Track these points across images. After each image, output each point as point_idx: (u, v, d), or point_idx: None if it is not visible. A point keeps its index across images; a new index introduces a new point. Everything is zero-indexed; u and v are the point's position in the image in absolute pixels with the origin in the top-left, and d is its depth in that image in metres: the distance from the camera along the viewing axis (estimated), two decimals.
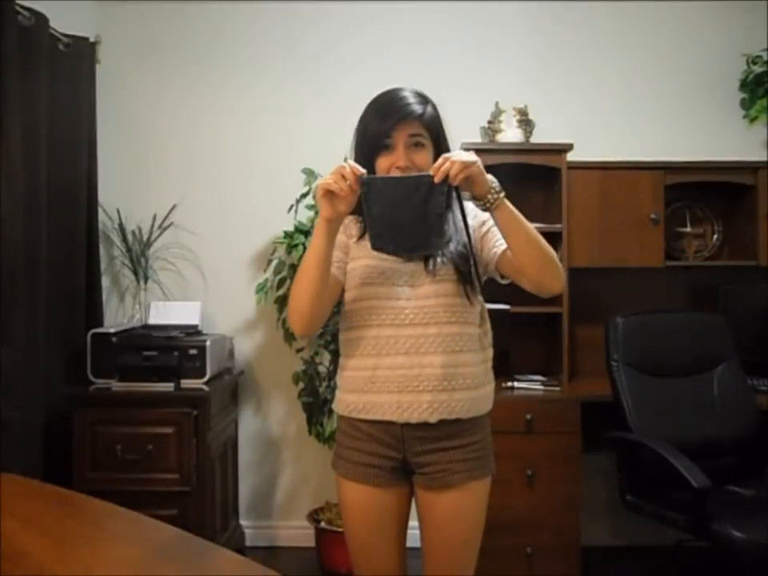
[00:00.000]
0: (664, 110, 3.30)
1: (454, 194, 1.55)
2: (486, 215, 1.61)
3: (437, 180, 1.42)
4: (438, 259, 1.59)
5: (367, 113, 1.61)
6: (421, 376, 1.57)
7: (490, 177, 1.49)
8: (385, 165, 1.57)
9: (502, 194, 1.49)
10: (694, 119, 3.29)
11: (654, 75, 3.30)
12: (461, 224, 1.64)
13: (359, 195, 1.46)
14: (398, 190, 1.44)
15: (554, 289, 1.60)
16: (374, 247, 1.51)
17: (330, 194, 1.45)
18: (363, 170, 1.45)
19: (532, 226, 1.55)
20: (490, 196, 1.48)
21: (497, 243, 1.61)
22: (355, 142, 1.63)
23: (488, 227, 1.65)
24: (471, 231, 1.63)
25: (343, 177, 1.43)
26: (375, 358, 1.60)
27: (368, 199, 1.45)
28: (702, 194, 3.23)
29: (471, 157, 1.44)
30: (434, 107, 1.62)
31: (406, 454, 1.62)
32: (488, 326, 1.70)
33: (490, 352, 1.70)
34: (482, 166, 1.46)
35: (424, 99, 1.60)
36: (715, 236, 3.27)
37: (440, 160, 1.44)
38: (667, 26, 3.30)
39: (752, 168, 3.04)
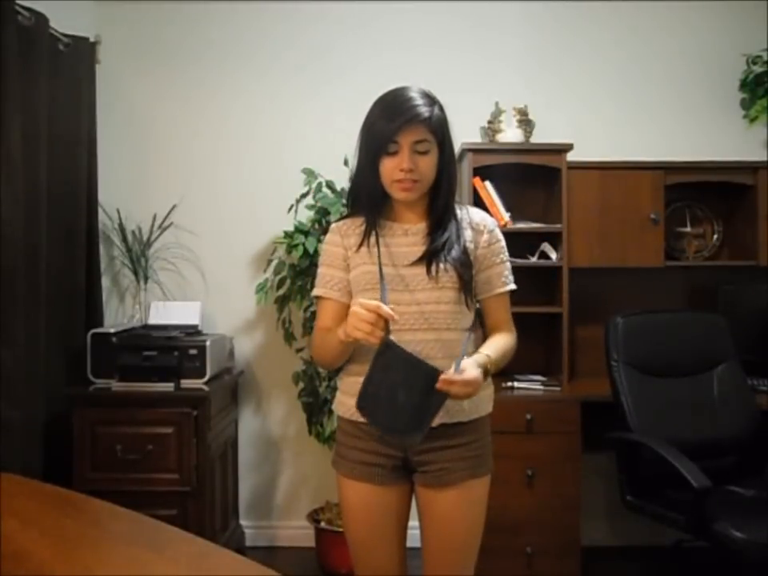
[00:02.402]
0: (664, 109, 3.30)
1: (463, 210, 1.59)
2: (498, 240, 1.68)
3: (437, 387, 1.41)
4: (441, 265, 1.58)
5: (373, 112, 1.59)
6: None
7: (481, 367, 1.51)
8: (389, 166, 1.56)
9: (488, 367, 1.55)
10: (694, 119, 3.29)
11: (654, 75, 3.30)
12: (465, 232, 1.64)
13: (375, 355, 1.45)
14: (409, 369, 1.43)
15: None
16: (358, 406, 1.50)
17: None
18: (396, 318, 1.44)
19: (506, 353, 1.66)
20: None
21: (491, 283, 1.66)
22: (360, 140, 1.62)
23: (493, 252, 1.67)
24: (474, 246, 1.64)
25: (374, 325, 1.42)
26: None
27: (378, 360, 1.44)
28: (702, 194, 3.23)
29: (475, 384, 1.46)
30: (441, 109, 1.61)
31: (407, 453, 1.62)
32: (480, 332, 1.71)
33: None
34: (480, 380, 1.49)
35: (431, 100, 1.59)
36: (715, 236, 3.26)
37: (451, 382, 1.42)
38: (667, 25, 3.30)
39: (752, 168, 3.04)
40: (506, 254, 1.70)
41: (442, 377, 1.41)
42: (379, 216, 1.65)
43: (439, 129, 1.58)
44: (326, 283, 1.66)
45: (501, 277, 1.67)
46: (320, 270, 1.69)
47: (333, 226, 1.72)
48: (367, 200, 1.64)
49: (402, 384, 1.43)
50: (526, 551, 2.77)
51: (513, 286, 1.70)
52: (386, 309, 1.43)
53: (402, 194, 1.59)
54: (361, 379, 1.60)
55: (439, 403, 1.44)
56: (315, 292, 1.69)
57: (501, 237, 1.70)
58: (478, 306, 1.71)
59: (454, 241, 1.60)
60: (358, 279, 1.61)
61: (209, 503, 2.74)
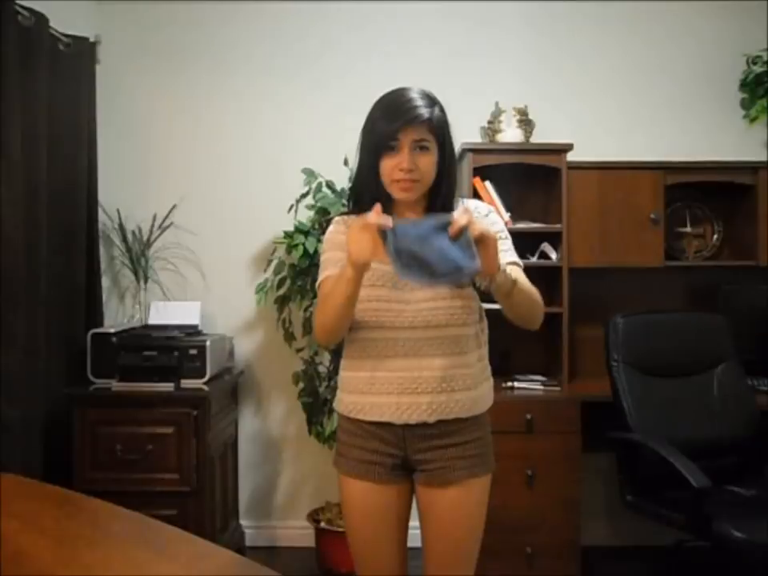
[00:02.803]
0: (664, 110, 3.30)
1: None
2: (493, 222, 1.65)
3: (451, 234, 1.37)
4: None
5: (374, 112, 1.60)
6: (420, 378, 1.58)
7: (503, 264, 1.47)
8: (389, 165, 1.56)
9: (512, 278, 1.50)
10: (694, 119, 3.29)
11: (654, 75, 3.30)
12: None
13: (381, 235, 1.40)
14: (418, 229, 1.39)
15: (529, 330, 1.68)
16: (403, 278, 1.43)
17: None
18: (389, 223, 1.39)
19: (530, 298, 1.58)
20: (498, 276, 1.46)
21: None
22: (361, 140, 1.63)
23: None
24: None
25: (374, 240, 1.39)
26: (374, 360, 1.60)
27: (388, 242, 1.39)
28: (702, 194, 3.23)
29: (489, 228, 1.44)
30: (442, 110, 1.61)
31: (406, 452, 1.62)
32: (485, 322, 1.71)
33: (486, 349, 1.71)
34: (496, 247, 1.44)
35: (431, 101, 1.59)
36: (715, 236, 3.26)
37: (461, 215, 1.38)
38: (667, 26, 3.30)
39: (752, 168, 3.04)
40: (505, 233, 1.68)
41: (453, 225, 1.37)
42: None
43: (440, 130, 1.58)
44: (334, 264, 1.62)
45: None
46: (326, 256, 1.67)
47: (337, 218, 1.73)
48: (370, 200, 1.64)
49: (427, 238, 1.38)
50: (526, 551, 2.77)
51: (512, 258, 1.66)
52: (375, 220, 1.39)
53: (402, 193, 1.59)
54: (359, 375, 1.62)
55: (467, 234, 1.37)
56: (322, 276, 1.65)
57: (497, 219, 1.70)
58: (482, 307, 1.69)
59: None
60: None
61: (209, 503, 2.74)
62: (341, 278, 1.50)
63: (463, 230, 1.37)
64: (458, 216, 1.39)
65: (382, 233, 1.39)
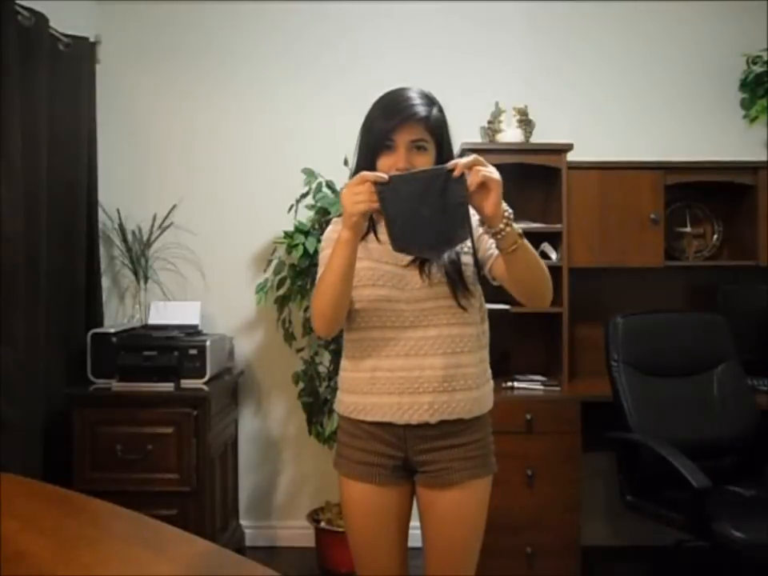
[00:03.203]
0: (664, 110, 3.30)
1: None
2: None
3: (456, 173, 1.36)
4: (434, 265, 1.58)
5: (372, 111, 1.60)
6: (421, 378, 1.58)
7: (506, 205, 1.45)
8: (386, 165, 1.55)
9: (518, 231, 1.47)
10: (694, 119, 3.29)
11: (654, 75, 3.30)
12: None
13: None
14: (413, 186, 1.38)
15: (541, 307, 1.64)
16: (396, 249, 1.44)
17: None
18: (385, 176, 1.40)
19: (538, 260, 1.54)
20: (502, 225, 1.43)
21: (491, 246, 1.59)
22: (359, 139, 1.62)
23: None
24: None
25: (370, 193, 1.40)
26: (375, 359, 1.60)
27: (383, 199, 1.39)
28: (702, 194, 3.23)
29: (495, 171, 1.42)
30: (441, 110, 1.60)
31: (407, 453, 1.62)
32: (487, 325, 1.71)
33: (487, 351, 1.70)
34: (500, 192, 1.41)
35: (430, 101, 1.58)
36: (715, 236, 3.27)
37: (465, 160, 1.38)
38: (667, 26, 3.30)
39: (752, 168, 3.04)
40: None
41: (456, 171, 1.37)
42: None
43: (437, 130, 1.57)
44: None
45: (492, 242, 1.61)
46: (324, 253, 1.65)
47: (335, 219, 1.73)
48: None
49: (419, 200, 1.37)
50: (526, 551, 2.77)
51: None
52: (372, 174, 1.40)
53: None
54: (360, 375, 1.62)
55: (462, 188, 1.37)
56: (320, 272, 1.63)
57: None
58: (495, 282, 1.66)
59: None
60: (359, 275, 1.61)
61: (209, 503, 2.74)
62: (336, 245, 1.50)
63: (463, 176, 1.36)
64: (462, 160, 1.37)
65: (378, 192, 1.38)
